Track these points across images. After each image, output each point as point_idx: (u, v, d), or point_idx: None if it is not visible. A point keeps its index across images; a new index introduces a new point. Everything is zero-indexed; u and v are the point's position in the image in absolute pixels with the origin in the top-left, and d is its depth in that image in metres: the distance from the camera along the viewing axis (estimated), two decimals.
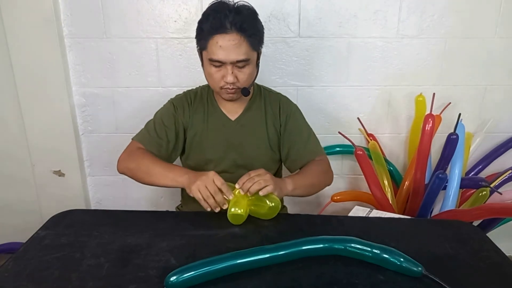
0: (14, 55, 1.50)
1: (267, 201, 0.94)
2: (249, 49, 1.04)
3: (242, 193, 0.94)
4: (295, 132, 1.20)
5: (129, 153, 1.13)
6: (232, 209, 0.92)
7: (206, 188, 0.93)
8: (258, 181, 0.93)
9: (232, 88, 1.07)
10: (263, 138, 1.20)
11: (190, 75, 1.57)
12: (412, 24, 1.51)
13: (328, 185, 1.19)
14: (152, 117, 1.22)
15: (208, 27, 1.01)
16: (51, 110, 1.58)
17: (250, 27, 1.02)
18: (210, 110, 1.19)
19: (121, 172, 1.13)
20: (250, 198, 0.95)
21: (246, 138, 1.19)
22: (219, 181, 0.93)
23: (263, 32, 1.10)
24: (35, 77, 1.53)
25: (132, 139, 1.18)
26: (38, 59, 1.51)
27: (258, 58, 1.12)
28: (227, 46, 1.00)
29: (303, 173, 1.13)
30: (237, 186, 0.95)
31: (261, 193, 0.93)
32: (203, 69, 1.11)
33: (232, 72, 1.04)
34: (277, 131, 1.21)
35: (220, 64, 1.04)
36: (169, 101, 1.22)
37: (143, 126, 1.61)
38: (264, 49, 1.51)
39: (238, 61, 1.03)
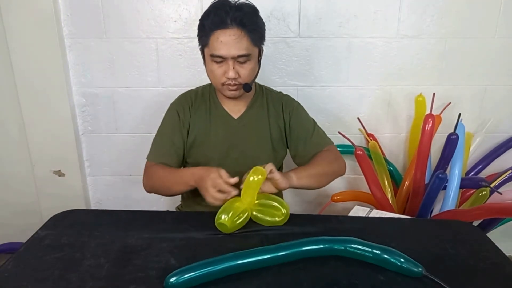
0: (14, 55, 1.50)
1: (281, 208, 0.93)
2: (250, 44, 1.05)
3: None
4: (299, 127, 1.21)
5: (145, 175, 1.16)
6: (223, 217, 0.89)
7: (219, 192, 0.93)
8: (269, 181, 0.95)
9: (234, 84, 1.08)
10: (266, 137, 1.20)
11: (190, 75, 1.57)
12: (412, 24, 1.51)
13: (341, 173, 1.19)
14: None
15: (210, 23, 1.03)
16: (51, 110, 1.57)
17: (250, 22, 1.04)
18: (212, 109, 1.20)
19: (149, 192, 1.17)
20: (255, 202, 0.93)
21: (248, 137, 1.19)
22: (224, 176, 0.94)
23: (264, 29, 1.11)
24: (35, 77, 1.53)
25: (146, 158, 1.20)
26: (38, 59, 1.50)
27: (259, 55, 1.13)
28: (228, 41, 1.02)
29: (308, 165, 1.13)
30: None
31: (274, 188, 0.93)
32: (205, 67, 1.12)
33: (233, 68, 1.05)
34: (280, 130, 1.21)
35: (222, 59, 1.05)
36: (169, 107, 1.22)
37: (143, 126, 1.63)
38: (264, 49, 1.52)
39: (239, 56, 1.04)
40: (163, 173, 1.11)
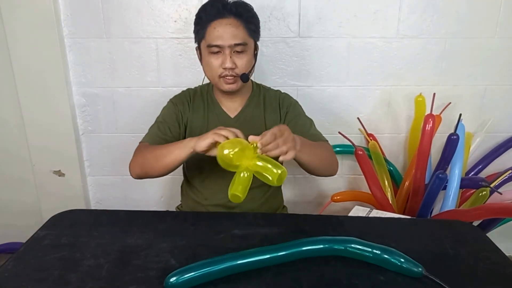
0: (14, 55, 1.50)
1: (274, 170, 0.82)
2: (246, 34, 1.07)
3: (259, 151, 0.85)
4: (296, 122, 1.19)
5: (135, 153, 1.11)
6: (225, 151, 0.81)
7: (218, 134, 0.89)
8: (281, 147, 0.87)
9: (231, 76, 1.08)
10: None
11: (190, 75, 1.57)
12: (412, 24, 1.51)
13: (334, 170, 1.13)
14: (152, 118, 1.22)
15: (207, 14, 1.07)
16: (51, 110, 1.57)
17: (246, 12, 1.08)
18: (210, 108, 1.20)
19: (135, 175, 1.09)
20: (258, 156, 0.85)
21: (246, 136, 1.18)
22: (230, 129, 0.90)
23: (259, 26, 1.14)
24: (35, 77, 1.53)
25: (139, 142, 1.16)
26: (38, 59, 1.51)
27: (255, 49, 1.14)
28: (225, 29, 1.05)
29: (311, 142, 1.08)
30: (259, 144, 0.86)
31: (281, 158, 0.86)
32: (202, 65, 1.13)
33: (230, 57, 1.06)
34: None
35: (219, 50, 1.06)
36: (168, 101, 1.23)
37: (143, 126, 1.61)
38: (264, 49, 1.53)
39: (236, 45, 1.06)
40: (154, 147, 1.05)
